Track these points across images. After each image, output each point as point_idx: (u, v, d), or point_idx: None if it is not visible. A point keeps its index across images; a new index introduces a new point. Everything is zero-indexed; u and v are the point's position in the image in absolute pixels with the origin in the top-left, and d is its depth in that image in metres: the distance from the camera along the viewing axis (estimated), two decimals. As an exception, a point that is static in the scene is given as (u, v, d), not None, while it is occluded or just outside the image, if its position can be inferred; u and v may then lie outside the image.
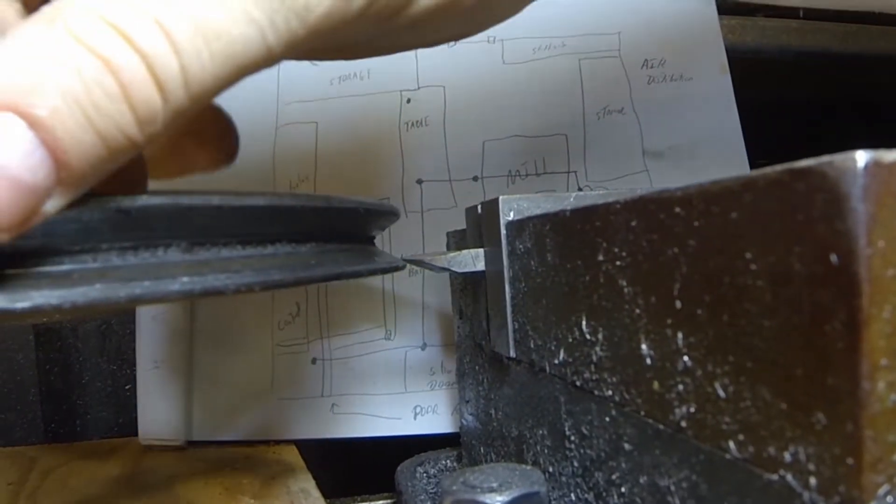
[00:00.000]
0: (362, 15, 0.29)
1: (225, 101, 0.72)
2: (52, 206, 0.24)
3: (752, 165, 0.72)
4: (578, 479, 0.37)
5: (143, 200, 0.27)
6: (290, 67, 0.75)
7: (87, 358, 0.83)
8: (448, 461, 0.64)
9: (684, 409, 0.27)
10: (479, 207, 0.47)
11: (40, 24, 0.23)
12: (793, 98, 0.99)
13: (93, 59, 0.23)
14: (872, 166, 0.19)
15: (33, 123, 0.22)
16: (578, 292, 0.35)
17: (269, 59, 0.27)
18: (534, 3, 0.40)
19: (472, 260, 0.47)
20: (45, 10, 0.23)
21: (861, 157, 0.19)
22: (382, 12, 0.30)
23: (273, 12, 0.25)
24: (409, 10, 0.31)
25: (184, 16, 0.24)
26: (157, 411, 0.71)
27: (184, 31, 0.24)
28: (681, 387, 0.27)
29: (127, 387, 0.83)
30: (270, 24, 0.25)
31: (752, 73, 0.73)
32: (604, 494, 0.35)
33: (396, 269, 0.45)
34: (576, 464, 0.37)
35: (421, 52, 0.75)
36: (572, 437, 0.37)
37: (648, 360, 0.29)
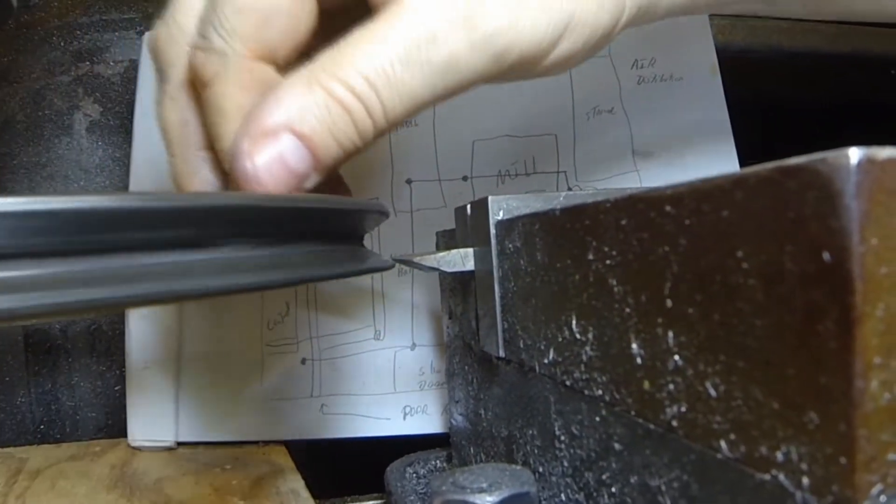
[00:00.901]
0: (501, 72, 0.42)
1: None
2: (309, 183, 0.39)
3: (743, 166, 0.72)
4: (568, 479, 0.37)
5: (140, 202, 0.27)
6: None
7: (77, 359, 0.83)
8: (438, 461, 0.63)
9: (675, 408, 0.27)
10: (469, 207, 0.47)
11: (303, 80, 0.38)
12: (783, 98, 0.99)
13: (334, 103, 0.38)
14: (865, 163, 0.19)
15: (300, 137, 0.38)
16: (568, 292, 0.34)
17: (433, 104, 0.41)
18: None
19: (462, 259, 0.47)
20: (303, 72, 0.39)
21: (854, 153, 0.19)
22: (517, 70, 0.43)
23: (435, 81, 0.39)
24: (540, 65, 0.44)
25: (386, 76, 0.38)
26: (147, 412, 0.71)
27: (384, 87, 0.38)
28: (671, 386, 0.27)
29: (116, 388, 0.82)
30: (432, 87, 0.39)
31: (742, 74, 0.73)
32: (594, 494, 0.34)
33: (385, 269, 0.45)
34: (566, 464, 0.37)
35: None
36: (562, 437, 0.37)
37: (639, 360, 0.29)
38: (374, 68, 0.38)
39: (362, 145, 0.39)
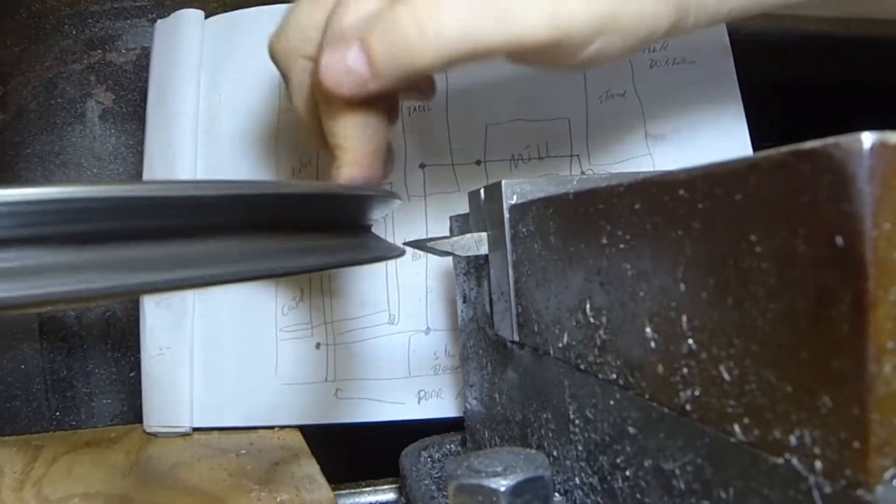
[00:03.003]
0: (542, 48, 0.46)
1: (228, 84, 0.71)
2: (371, 86, 0.46)
3: (755, 149, 0.72)
4: (583, 463, 0.37)
5: (138, 191, 0.27)
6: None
7: (92, 346, 0.83)
8: (452, 445, 0.64)
9: (689, 392, 0.27)
10: (483, 191, 0.47)
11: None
12: (796, 81, 0.99)
13: (400, 25, 0.44)
14: (879, 147, 0.19)
15: (365, 45, 0.44)
16: (582, 276, 0.34)
17: (478, 57, 0.45)
18: None
19: (476, 244, 0.47)
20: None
21: (867, 138, 0.19)
22: (553, 55, 0.47)
23: (489, 29, 0.44)
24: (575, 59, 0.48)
25: (432, 11, 0.44)
26: (162, 398, 0.71)
27: (448, 24, 0.43)
28: (685, 370, 0.27)
29: (131, 374, 0.83)
30: (487, 35, 0.44)
31: (754, 57, 0.73)
32: (608, 478, 0.35)
33: (396, 256, 0.45)
34: (580, 447, 0.37)
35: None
36: (576, 421, 0.37)
37: (653, 344, 0.29)
38: (441, 7, 0.44)
39: (416, 66, 0.45)
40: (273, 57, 0.53)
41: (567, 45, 0.46)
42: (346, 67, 0.45)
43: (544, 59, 0.48)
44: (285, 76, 0.54)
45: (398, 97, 0.57)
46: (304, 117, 0.54)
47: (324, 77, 0.45)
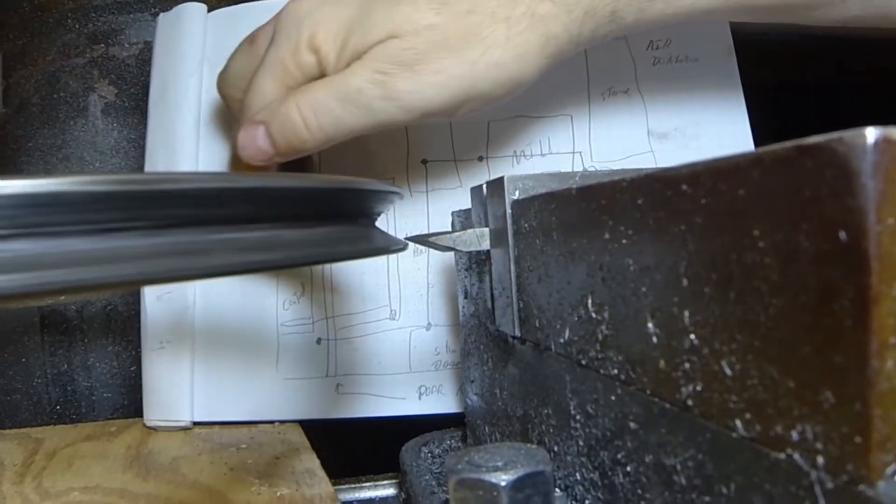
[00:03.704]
0: (414, 120, 0.56)
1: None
2: (276, 160, 0.58)
3: (757, 147, 0.72)
4: (584, 459, 0.37)
5: (141, 183, 0.27)
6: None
7: (93, 339, 0.83)
8: (453, 441, 0.64)
9: (691, 387, 0.27)
10: (485, 187, 0.47)
11: (285, 99, 0.56)
12: (799, 79, 0.99)
13: (289, 118, 0.55)
14: (882, 142, 0.19)
15: (268, 131, 0.56)
16: (584, 271, 0.34)
17: (360, 133, 0.56)
18: None
19: (478, 239, 0.47)
20: (288, 95, 0.56)
21: (871, 133, 0.19)
22: (431, 118, 0.57)
23: (358, 117, 0.55)
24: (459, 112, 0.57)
25: (326, 108, 0.54)
26: (163, 392, 0.71)
27: (323, 114, 0.54)
28: (687, 365, 0.27)
29: (132, 368, 0.83)
30: (356, 120, 0.55)
31: (757, 55, 0.73)
32: (609, 473, 0.35)
33: (398, 250, 0.45)
34: (581, 443, 0.37)
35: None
36: (578, 416, 0.37)
37: (655, 339, 0.29)
38: (320, 101, 0.55)
39: (306, 147, 0.56)
40: (218, 92, 0.67)
41: (431, 117, 0.56)
42: (257, 147, 0.57)
43: (419, 123, 0.63)
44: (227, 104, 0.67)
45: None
46: (233, 141, 0.62)
47: (241, 151, 0.57)
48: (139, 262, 0.27)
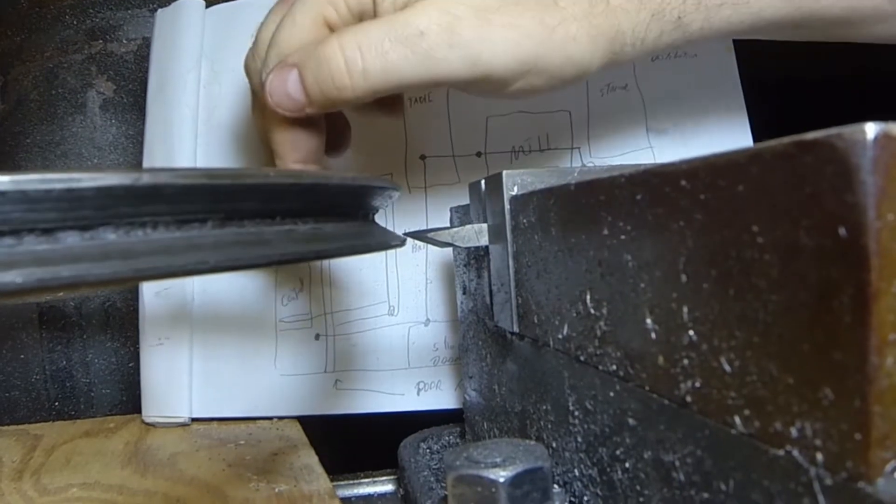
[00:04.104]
0: (472, 78, 0.50)
1: (228, 74, 0.71)
2: (308, 111, 0.51)
3: (756, 143, 0.72)
4: (582, 455, 0.37)
5: (145, 178, 0.27)
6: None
7: (91, 336, 0.83)
8: (451, 437, 0.64)
9: (689, 383, 0.27)
10: (483, 183, 0.47)
11: (327, 40, 0.49)
12: (798, 75, 0.99)
13: (327, 62, 0.48)
14: (882, 138, 0.19)
15: (301, 76, 0.50)
16: (583, 267, 0.34)
17: (410, 86, 0.50)
18: None
19: (476, 235, 0.47)
20: (331, 36, 0.49)
21: (871, 129, 0.19)
22: (485, 85, 0.51)
23: (415, 64, 0.48)
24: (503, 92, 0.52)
25: (376, 49, 0.47)
26: (161, 388, 0.71)
27: (372, 57, 0.48)
28: (686, 361, 0.27)
29: (130, 364, 0.83)
30: (412, 69, 0.48)
31: (756, 50, 0.73)
32: (608, 469, 0.35)
33: (397, 246, 0.45)
34: (579, 439, 0.37)
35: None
36: (576, 413, 0.37)
37: (653, 335, 0.29)
38: (371, 41, 0.48)
39: (344, 97, 0.49)
40: (245, 70, 0.58)
41: (488, 84, 0.50)
42: (286, 93, 0.50)
43: (468, 90, 0.53)
44: (252, 89, 0.59)
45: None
46: (257, 124, 0.59)
47: (269, 97, 0.51)
48: (138, 258, 0.27)
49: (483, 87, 0.51)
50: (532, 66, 0.50)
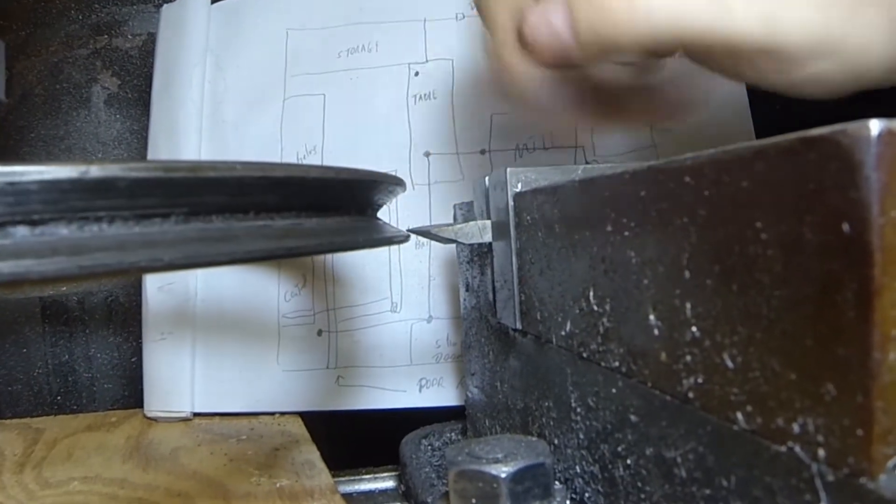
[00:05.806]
0: (761, 50, 0.41)
1: (233, 70, 0.71)
2: (573, 55, 0.42)
3: (760, 139, 0.72)
4: (584, 451, 0.37)
5: (136, 172, 0.27)
6: (297, 40, 0.75)
7: (94, 330, 0.84)
8: (453, 434, 0.64)
9: (692, 380, 0.27)
10: (487, 180, 0.47)
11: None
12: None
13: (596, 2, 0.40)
14: (886, 134, 0.19)
15: (572, 14, 0.41)
16: (586, 263, 0.34)
17: (691, 43, 0.41)
18: None
19: (479, 231, 0.47)
20: None
21: (875, 125, 0.19)
22: (770, 62, 0.42)
23: (704, 19, 0.40)
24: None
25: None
26: (163, 383, 0.72)
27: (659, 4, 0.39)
28: (689, 357, 0.27)
29: (133, 359, 0.83)
30: (702, 24, 0.39)
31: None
32: (609, 466, 0.35)
33: (400, 241, 0.45)
34: (581, 435, 0.37)
35: (429, 24, 0.74)
36: (578, 409, 0.37)
37: (656, 331, 0.29)
38: None
39: (619, 43, 0.41)
40: (478, 6, 0.50)
41: (777, 58, 0.42)
42: (551, 31, 0.42)
43: (748, 66, 0.43)
44: (490, 27, 0.49)
45: None
46: (506, 65, 0.48)
47: (529, 36, 0.43)
48: (146, 249, 0.27)
49: (763, 64, 0.42)
50: (831, 45, 0.41)
